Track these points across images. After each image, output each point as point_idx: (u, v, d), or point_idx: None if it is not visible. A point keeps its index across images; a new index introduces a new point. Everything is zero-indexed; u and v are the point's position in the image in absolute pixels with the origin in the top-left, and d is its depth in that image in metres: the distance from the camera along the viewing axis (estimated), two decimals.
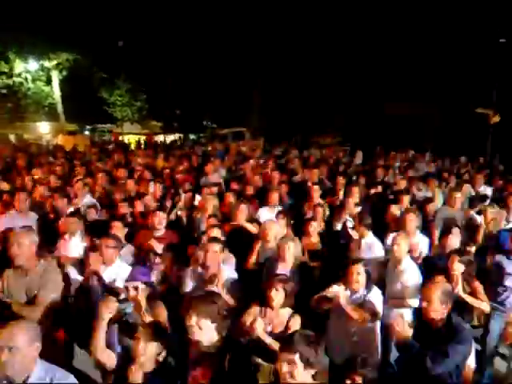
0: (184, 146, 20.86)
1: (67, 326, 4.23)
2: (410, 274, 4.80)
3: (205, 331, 2.94)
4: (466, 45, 23.77)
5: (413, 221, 5.73)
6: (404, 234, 5.22)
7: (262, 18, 27.60)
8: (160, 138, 28.67)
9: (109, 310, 3.19)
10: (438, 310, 3.43)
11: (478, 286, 4.50)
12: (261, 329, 3.65)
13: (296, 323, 3.82)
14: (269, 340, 3.66)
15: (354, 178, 9.54)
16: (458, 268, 4.46)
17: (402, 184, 8.54)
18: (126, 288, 3.73)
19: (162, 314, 3.83)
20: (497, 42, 21.52)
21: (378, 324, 4.27)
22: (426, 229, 6.30)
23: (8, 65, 26.81)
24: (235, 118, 30.29)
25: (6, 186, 8.58)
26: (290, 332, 3.57)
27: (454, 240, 5.38)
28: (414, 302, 4.58)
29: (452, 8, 24.28)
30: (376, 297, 4.21)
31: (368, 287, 4.19)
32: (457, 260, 4.50)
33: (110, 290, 3.79)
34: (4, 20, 23.43)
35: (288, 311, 3.89)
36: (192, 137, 30.97)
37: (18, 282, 4.00)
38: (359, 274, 4.14)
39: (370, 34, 26.42)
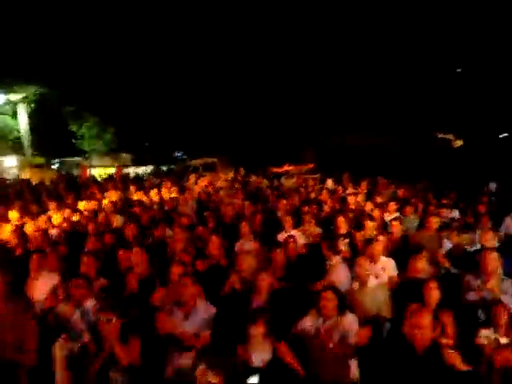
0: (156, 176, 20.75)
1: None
2: (377, 292, 4.87)
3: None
4: (424, 74, 24.79)
5: (379, 247, 5.82)
6: (364, 257, 5.32)
7: (231, 52, 28.20)
8: (131, 170, 28.36)
9: (63, 350, 3.13)
10: (429, 337, 3.47)
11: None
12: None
13: (284, 349, 3.86)
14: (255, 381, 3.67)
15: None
16: (435, 295, 4.50)
17: (368, 209, 8.69)
18: (99, 320, 3.67)
19: (136, 348, 3.74)
20: (453, 72, 22.60)
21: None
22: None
23: None
24: (206, 148, 30.37)
25: None
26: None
27: (422, 263, 5.39)
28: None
29: (411, 38, 25.33)
30: (350, 321, 4.22)
31: (341, 312, 4.21)
32: (434, 286, 4.53)
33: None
34: None
35: (270, 340, 3.89)
36: (163, 168, 30.75)
37: None
38: (329, 300, 4.20)
39: (335, 68, 27.31)
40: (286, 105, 28.80)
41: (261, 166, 23.48)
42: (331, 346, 4.02)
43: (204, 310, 4.47)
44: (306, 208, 8.55)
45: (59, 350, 3.13)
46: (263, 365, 3.78)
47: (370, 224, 7.15)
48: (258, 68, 28.42)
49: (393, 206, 8.77)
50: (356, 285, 5.13)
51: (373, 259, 5.50)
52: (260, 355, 3.83)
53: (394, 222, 7.44)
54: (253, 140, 29.58)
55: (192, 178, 16.47)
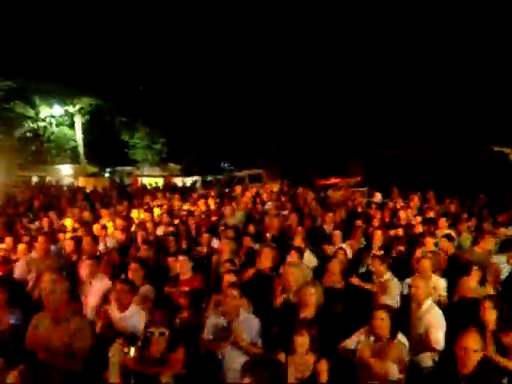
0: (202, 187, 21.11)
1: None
2: (432, 317, 4.63)
3: None
4: (480, 83, 23.98)
5: (428, 264, 5.58)
6: (420, 276, 5.11)
7: (279, 63, 28.42)
8: (178, 180, 28.97)
9: (116, 354, 3.19)
10: (475, 360, 3.30)
11: None
12: (292, 378, 3.62)
13: (323, 367, 3.74)
14: None
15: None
16: (492, 315, 4.27)
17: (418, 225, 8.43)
18: (152, 333, 3.71)
19: (181, 357, 3.79)
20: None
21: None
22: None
23: (34, 110, 27.87)
24: (253, 160, 30.60)
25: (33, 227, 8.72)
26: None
27: (473, 282, 5.18)
28: (438, 345, 4.41)
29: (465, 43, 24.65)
30: (402, 342, 4.09)
31: (393, 333, 4.08)
32: (490, 306, 4.29)
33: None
34: (31, 68, 24.61)
35: (314, 356, 3.82)
36: (210, 178, 31.21)
37: (50, 329, 3.98)
38: (383, 319, 4.05)
39: (385, 77, 26.90)
40: (334, 116, 28.58)
41: (307, 178, 23.39)
42: (379, 369, 3.89)
43: (247, 322, 4.44)
44: (359, 222, 8.38)
45: (115, 354, 3.20)
46: (300, 380, 3.71)
47: (430, 241, 6.91)
48: (307, 80, 28.45)
49: (443, 221, 8.43)
50: (413, 305, 4.95)
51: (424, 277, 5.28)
52: (300, 369, 3.77)
53: (443, 239, 7.16)
54: (300, 152, 29.50)
55: (238, 189, 16.60)
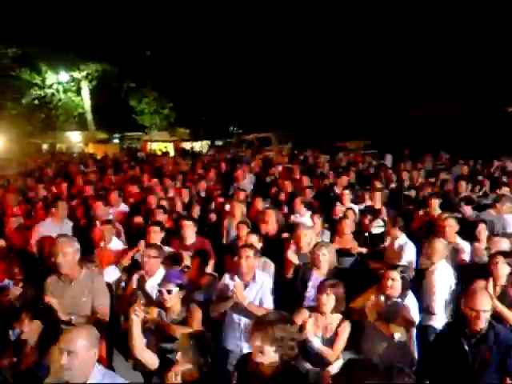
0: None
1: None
2: (442, 278, 4.70)
3: (267, 357, 2.83)
4: (495, 45, 23.27)
5: (452, 226, 5.52)
6: (439, 238, 5.11)
7: (288, 26, 27.72)
8: (187, 144, 28.96)
9: (136, 313, 3.27)
10: (485, 318, 3.32)
11: None
12: (311, 332, 3.71)
13: (346, 329, 3.81)
14: (317, 344, 3.71)
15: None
16: (503, 270, 4.31)
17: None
18: (160, 291, 3.79)
19: (197, 316, 3.85)
20: None
21: (414, 331, 4.19)
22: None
23: (40, 76, 27.70)
24: (261, 123, 30.33)
25: (43, 193, 8.83)
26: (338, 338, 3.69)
27: (502, 244, 5.09)
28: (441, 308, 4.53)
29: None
30: (411, 303, 4.13)
31: (403, 294, 4.13)
32: (501, 261, 4.33)
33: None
34: (36, 34, 24.28)
35: (338, 316, 3.88)
36: (219, 143, 31.12)
37: (63, 290, 4.09)
38: (394, 279, 4.07)
39: (396, 38, 26.17)
40: (344, 78, 28.02)
41: (317, 141, 23.20)
42: (386, 329, 3.97)
43: (262, 281, 4.50)
44: (376, 182, 8.39)
45: (135, 315, 3.29)
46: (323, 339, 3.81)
47: (434, 202, 6.81)
48: (318, 40, 27.78)
49: (463, 184, 8.35)
50: (427, 263, 4.99)
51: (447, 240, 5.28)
52: (323, 328, 3.85)
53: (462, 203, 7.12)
54: (309, 115, 29.14)
55: (248, 152, 16.58)
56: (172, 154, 22.41)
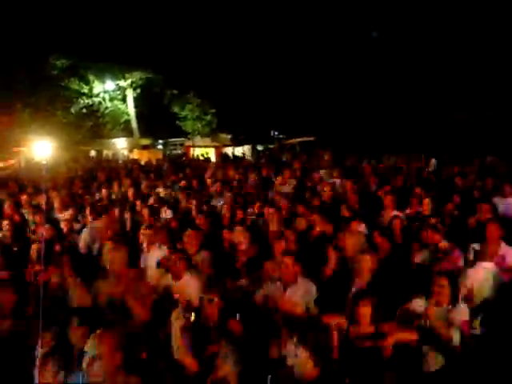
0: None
1: None
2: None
3: (301, 361, 2.82)
4: None
5: (495, 231, 5.28)
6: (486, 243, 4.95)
7: (334, 29, 27.56)
8: (229, 149, 29.22)
9: (178, 319, 3.30)
10: None
11: None
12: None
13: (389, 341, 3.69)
14: None
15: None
16: None
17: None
18: (202, 298, 3.80)
19: (237, 328, 3.85)
20: None
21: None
22: None
23: (88, 86, 28.75)
24: (304, 127, 30.20)
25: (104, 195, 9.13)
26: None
27: None
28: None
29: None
30: (461, 311, 3.99)
31: (453, 300, 3.99)
32: None
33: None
34: (83, 45, 25.28)
35: (375, 326, 3.78)
36: (260, 148, 31.20)
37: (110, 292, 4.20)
38: (443, 286, 3.97)
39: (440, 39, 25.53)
40: (387, 79, 27.50)
41: (360, 144, 22.85)
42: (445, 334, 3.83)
43: (304, 287, 4.47)
44: (418, 189, 8.16)
45: (177, 318, 3.33)
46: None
47: (485, 207, 6.54)
48: (357, 42, 27.46)
49: (509, 188, 7.97)
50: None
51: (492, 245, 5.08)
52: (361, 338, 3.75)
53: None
54: (352, 118, 28.74)
55: (289, 156, 16.52)
56: (213, 159, 22.66)
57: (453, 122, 24.69)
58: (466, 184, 9.31)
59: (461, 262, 5.24)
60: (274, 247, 5.29)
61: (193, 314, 3.63)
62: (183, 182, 10.61)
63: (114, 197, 9.34)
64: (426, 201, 7.20)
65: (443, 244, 5.45)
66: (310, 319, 3.21)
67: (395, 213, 7.00)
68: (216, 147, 27.95)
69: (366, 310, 3.74)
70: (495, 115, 23.46)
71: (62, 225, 7.19)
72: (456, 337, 3.87)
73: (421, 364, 3.91)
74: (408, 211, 7.38)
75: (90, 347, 2.83)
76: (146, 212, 7.32)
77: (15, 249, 6.38)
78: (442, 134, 23.78)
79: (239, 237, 5.86)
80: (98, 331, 2.93)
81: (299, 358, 2.77)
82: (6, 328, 3.82)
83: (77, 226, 7.42)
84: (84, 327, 3.55)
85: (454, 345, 3.87)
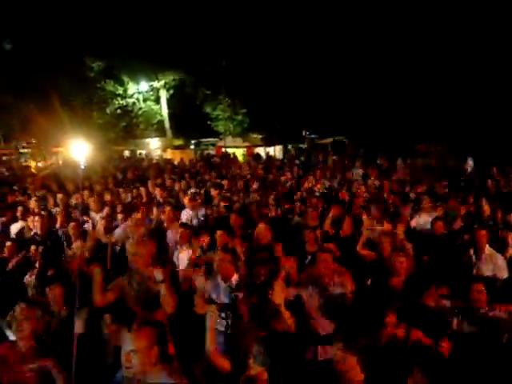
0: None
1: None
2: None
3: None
4: None
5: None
6: None
7: (358, 29, 27.19)
8: (260, 149, 29.22)
9: (211, 318, 3.29)
10: None
11: None
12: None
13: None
14: None
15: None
16: None
17: None
18: (235, 296, 3.78)
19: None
20: None
21: None
22: None
23: (122, 87, 29.34)
24: (336, 127, 29.94)
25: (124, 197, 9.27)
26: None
27: None
28: None
29: None
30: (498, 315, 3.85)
31: (489, 305, 3.88)
32: None
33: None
34: (117, 47, 25.82)
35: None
36: (291, 147, 31.08)
37: (134, 289, 4.24)
38: (480, 292, 3.88)
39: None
40: (420, 79, 26.92)
41: (393, 144, 22.48)
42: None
43: (341, 286, 4.41)
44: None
45: (210, 320, 3.32)
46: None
47: None
48: (393, 44, 26.97)
49: None
50: None
51: None
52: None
53: None
54: (384, 118, 28.28)
55: (321, 156, 16.42)
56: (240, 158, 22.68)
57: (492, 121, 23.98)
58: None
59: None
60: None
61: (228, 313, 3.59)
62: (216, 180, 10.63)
63: (145, 196, 9.44)
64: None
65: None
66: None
67: (433, 214, 6.84)
68: (247, 147, 28.00)
69: (391, 319, 3.64)
70: None
71: (99, 224, 7.33)
72: None
73: None
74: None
75: (127, 343, 2.86)
76: (171, 212, 7.36)
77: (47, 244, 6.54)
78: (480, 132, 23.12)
79: (261, 234, 5.81)
80: (134, 327, 2.96)
81: (346, 363, 2.76)
82: (65, 315, 4.20)
83: (112, 225, 7.55)
84: (117, 324, 3.61)
85: None
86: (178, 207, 8.23)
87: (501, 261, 5.11)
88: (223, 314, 3.50)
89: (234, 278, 4.55)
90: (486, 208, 6.93)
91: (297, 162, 16.26)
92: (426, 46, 26.41)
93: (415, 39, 26.48)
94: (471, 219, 6.90)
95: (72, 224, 6.73)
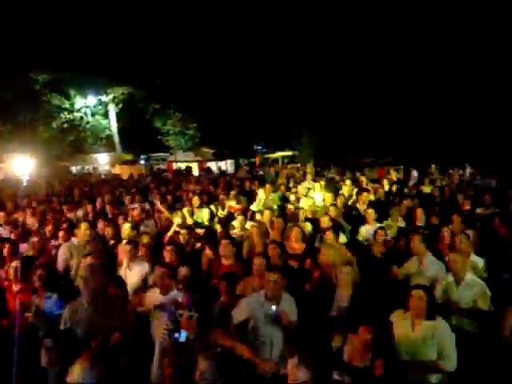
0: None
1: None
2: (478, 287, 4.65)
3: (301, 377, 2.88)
4: None
5: (463, 243, 5.44)
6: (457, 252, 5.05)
7: (310, 45, 27.88)
8: (212, 164, 29.16)
9: (159, 338, 3.25)
10: None
11: None
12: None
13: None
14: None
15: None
16: None
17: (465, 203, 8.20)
18: (180, 315, 3.71)
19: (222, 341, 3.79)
20: None
21: None
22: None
23: (69, 101, 28.58)
24: (285, 141, 30.43)
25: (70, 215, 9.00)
26: None
27: None
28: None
29: None
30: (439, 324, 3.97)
31: (431, 313, 3.97)
32: None
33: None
34: (64, 60, 25.21)
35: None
36: (243, 161, 31.27)
37: (84, 314, 4.09)
38: (420, 298, 3.96)
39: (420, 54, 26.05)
40: (364, 97, 27.89)
41: (341, 157, 23.11)
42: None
43: (287, 302, 4.44)
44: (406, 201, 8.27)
45: (159, 340, 3.27)
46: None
47: (457, 218, 6.72)
48: (335, 56, 27.81)
49: (489, 198, 8.13)
50: (451, 279, 4.86)
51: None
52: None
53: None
54: (332, 132, 29.01)
55: (272, 170, 16.58)
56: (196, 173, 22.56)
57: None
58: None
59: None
60: (254, 262, 5.20)
61: (184, 332, 3.48)
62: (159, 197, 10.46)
63: (92, 213, 9.20)
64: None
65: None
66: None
67: (377, 225, 7.04)
68: (199, 162, 27.89)
69: (366, 336, 3.53)
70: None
71: (40, 242, 7.05)
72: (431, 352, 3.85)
73: None
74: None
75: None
76: (126, 227, 7.21)
77: None
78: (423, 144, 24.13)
79: (224, 250, 5.77)
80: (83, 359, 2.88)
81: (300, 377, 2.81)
82: None
83: (55, 243, 7.28)
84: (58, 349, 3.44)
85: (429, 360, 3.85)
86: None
87: (439, 265, 5.29)
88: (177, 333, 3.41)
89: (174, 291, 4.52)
90: (420, 215, 7.24)
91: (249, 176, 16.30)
92: (368, 68, 27.37)
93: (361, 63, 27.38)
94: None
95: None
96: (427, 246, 5.53)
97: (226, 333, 3.93)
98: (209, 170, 23.43)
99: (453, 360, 3.81)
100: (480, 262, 5.48)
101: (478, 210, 7.97)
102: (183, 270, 5.43)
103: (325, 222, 7.13)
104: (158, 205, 9.09)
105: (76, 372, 2.85)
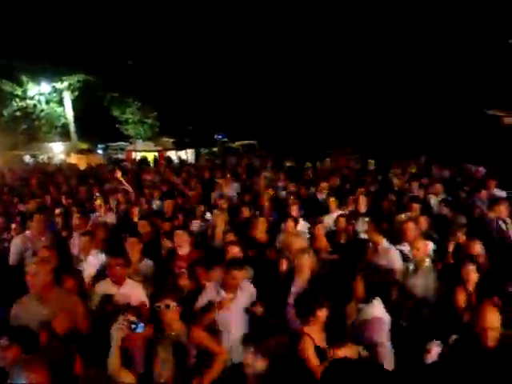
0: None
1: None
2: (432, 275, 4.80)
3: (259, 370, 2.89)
4: (473, 46, 23.59)
5: (412, 229, 5.57)
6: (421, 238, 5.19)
7: (271, 33, 27.85)
8: (172, 153, 28.79)
9: (119, 331, 3.18)
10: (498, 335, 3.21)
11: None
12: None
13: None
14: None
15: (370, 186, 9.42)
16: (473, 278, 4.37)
17: (419, 191, 8.44)
18: (158, 307, 3.64)
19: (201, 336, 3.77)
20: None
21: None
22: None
23: (21, 88, 27.41)
24: (246, 131, 30.38)
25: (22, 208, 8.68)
26: None
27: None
28: None
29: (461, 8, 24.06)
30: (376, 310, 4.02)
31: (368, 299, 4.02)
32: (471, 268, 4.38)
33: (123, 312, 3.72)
34: (17, 46, 24.09)
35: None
36: (204, 151, 31.04)
37: (33, 310, 3.92)
38: (360, 284, 4.05)
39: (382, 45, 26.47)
40: (326, 89, 28.19)
41: (301, 147, 23.25)
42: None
43: (247, 291, 4.49)
44: (362, 189, 8.42)
45: (117, 331, 3.19)
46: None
47: (415, 206, 6.92)
48: (298, 48, 27.94)
49: (439, 187, 8.41)
50: (411, 267, 5.00)
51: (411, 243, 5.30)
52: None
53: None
54: (294, 122, 29.23)
55: (233, 160, 16.53)
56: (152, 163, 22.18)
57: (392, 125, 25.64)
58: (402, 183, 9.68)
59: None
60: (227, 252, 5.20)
61: (141, 324, 3.39)
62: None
63: (48, 203, 8.92)
64: (361, 199, 7.48)
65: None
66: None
67: (339, 212, 7.14)
68: (159, 151, 27.44)
69: (323, 314, 3.61)
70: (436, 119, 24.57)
71: None
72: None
73: None
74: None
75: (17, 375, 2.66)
76: (81, 218, 7.03)
77: None
78: (381, 135, 24.66)
79: (179, 241, 5.73)
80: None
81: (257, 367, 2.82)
82: None
83: (7, 236, 7.02)
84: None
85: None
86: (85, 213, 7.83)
87: (393, 252, 5.34)
88: (135, 324, 3.32)
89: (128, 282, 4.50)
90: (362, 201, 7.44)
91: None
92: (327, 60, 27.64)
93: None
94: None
95: None
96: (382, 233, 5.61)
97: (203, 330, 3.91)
98: (169, 159, 23.09)
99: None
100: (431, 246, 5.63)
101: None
102: (146, 263, 5.41)
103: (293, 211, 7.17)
104: (125, 184, 8.95)
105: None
